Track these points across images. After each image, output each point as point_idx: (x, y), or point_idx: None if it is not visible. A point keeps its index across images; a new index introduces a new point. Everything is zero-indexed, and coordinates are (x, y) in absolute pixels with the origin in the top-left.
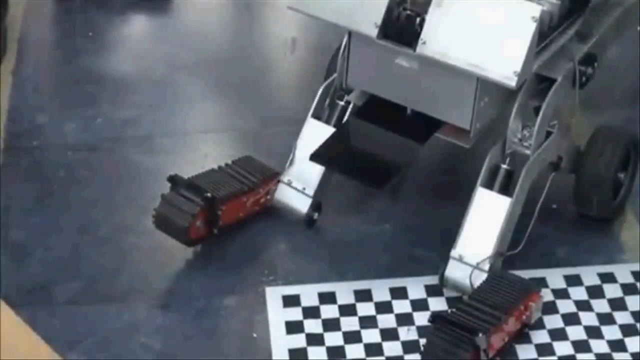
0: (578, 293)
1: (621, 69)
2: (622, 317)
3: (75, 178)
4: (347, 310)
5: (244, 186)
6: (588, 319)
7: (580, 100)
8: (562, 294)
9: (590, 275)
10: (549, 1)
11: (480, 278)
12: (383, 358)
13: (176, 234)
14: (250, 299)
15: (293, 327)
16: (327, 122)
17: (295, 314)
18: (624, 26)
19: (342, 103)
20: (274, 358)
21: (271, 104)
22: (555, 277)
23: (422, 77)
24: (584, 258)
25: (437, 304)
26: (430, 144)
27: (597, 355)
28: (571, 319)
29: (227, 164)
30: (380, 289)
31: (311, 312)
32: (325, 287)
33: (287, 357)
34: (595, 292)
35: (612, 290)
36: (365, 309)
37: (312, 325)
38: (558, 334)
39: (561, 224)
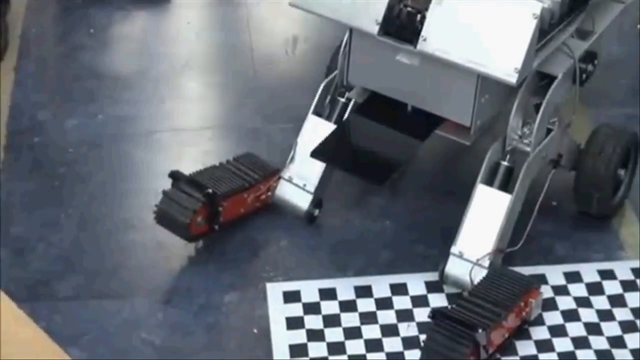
0: (578, 290)
1: (621, 66)
2: (622, 314)
3: (76, 174)
4: (348, 306)
5: (245, 182)
6: (588, 315)
7: (580, 97)
8: (561, 290)
9: (590, 272)
10: None
11: (480, 274)
12: (383, 354)
13: (177, 229)
14: (251, 294)
15: (293, 323)
16: (328, 119)
17: (296, 309)
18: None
19: (342, 100)
20: (274, 354)
21: (272, 100)
22: (555, 274)
23: (422, 74)
24: (583, 255)
25: (437, 300)
26: (431, 140)
27: (596, 351)
28: (571, 315)
29: (228, 161)
30: (381, 285)
31: (312, 308)
32: (326, 283)
33: (288, 353)
34: (595, 288)
35: (612, 287)
36: (366, 305)
37: (313, 321)
38: (558, 331)
39: (561, 221)
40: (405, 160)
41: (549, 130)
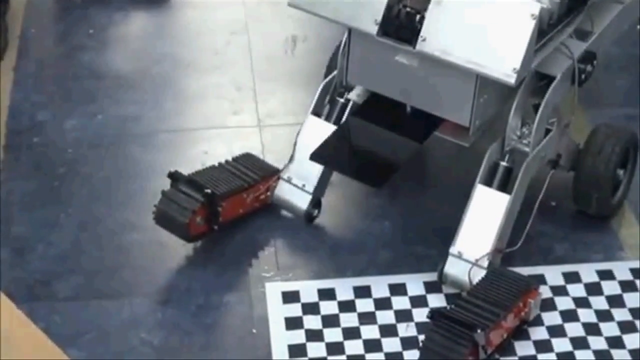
0: (576, 290)
1: (621, 67)
2: (621, 314)
3: (75, 174)
4: (347, 306)
5: (244, 183)
6: (586, 315)
7: (579, 97)
8: (560, 290)
9: (588, 272)
10: None
11: (479, 275)
12: (382, 354)
13: (176, 230)
14: (250, 295)
15: (292, 323)
16: (327, 119)
17: (295, 310)
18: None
19: (342, 100)
20: (273, 354)
21: (271, 101)
22: (553, 274)
23: (421, 74)
24: (582, 255)
25: (436, 301)
26: (429, 141)
27: (595, 352)
28: (569, 315)
29: (227, 161)
30: (380, 286)
31: (311, 308)
32: (325, 284)
33: (287, 353)
34: (594, 289)
35: (611, 287)
36: (365, 305)
37: (312, 321)
38: (556, 331)
39: (560, 221)
40: (403, 163)
41: (547, 131)
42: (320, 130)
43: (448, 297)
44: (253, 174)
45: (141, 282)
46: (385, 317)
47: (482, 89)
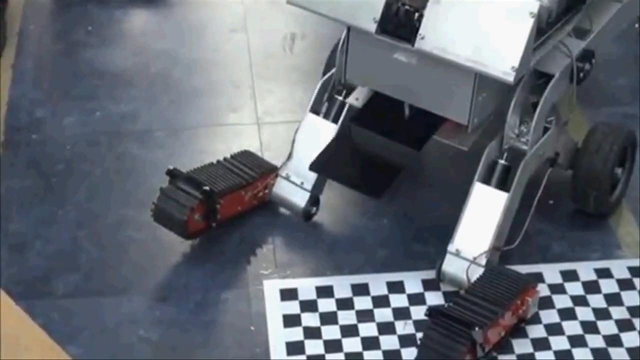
0: (574, 288)
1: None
2: (618, 312)
3: (74, 171)
4: (345, 304)
5: (243, 180)
6: (584, 314)
7: (578, 96)
8: (558, 289)
9: (586, 270)
10: None
11: (477, 273)
12: (380, 352)
13: (175, 227)
14: (248, 292)
15: (290, 321)
16: (326, 116)
17: (293, 307)
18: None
19: (340, 98)
20: (271, 351)
21: (269, 98)
22: (551, 272)
23: (420, 72)
24: (580, 253)
25: (434, 298)
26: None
27: (592, 350)
28: (567, 313)
29: (225, 158)
30: (378, 283)
31: (308, 306)
32: (323, 281)
33: (285, 350)
34: (592, 287)
35: (608, 286)
36: (363, 302)
37: (310, 319)
38: (554, 329)
39: (558, 220)
40: (401, 171)
41: (546, 129)
42: (319, 128)
43: (446, 294)
44: (251, 171)
45: (139, 279)
46: (383, 314)
47: (480, 87)
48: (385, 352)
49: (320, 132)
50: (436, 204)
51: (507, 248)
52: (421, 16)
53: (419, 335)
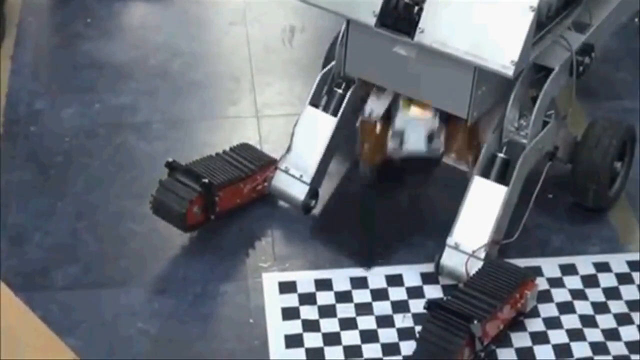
0: (573, 282)
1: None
2: (617, 306)
3: (73, 163)
4: (343, 297)
5: (242, 173)
6: (583, 307)
7: (577, 90)
8: (557, 282)
9: (585, 264)
10: None
11: (476, 266)
12: (378, 345)
13: (173, 219)
14: (247, 285)
15: (289, 314)
16: (325, 109)
17: (292, 300)
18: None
19: (339, 91)
20: (270, 344)
21: (269, 91)
22: (550, 266)
23: (419, 66)
24: (579, 247)
25: (433, 292)
26: None
27: (591, 344)
28: (566, 307)
29: (224, 151)
30: (376, 276)
31: (307, 299)
32: (322, 274)
33: (283, 343)
34: (590, 281)
35: (607, 280)
36: (361, 296)
37: (308, 312)
38: (553, 323)
39: (557, 214)
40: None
41: (545, 123)
42: (318, 121)
43: (445, 288)
44: (250, 164)
45: (138, 271)
46: (382, 308)
47: (480, 81)
48: (383, 345)
49: (319, 125)
50: (435, 197)
51: (506, 242)
52: (421, 10)
53: (418, 328)
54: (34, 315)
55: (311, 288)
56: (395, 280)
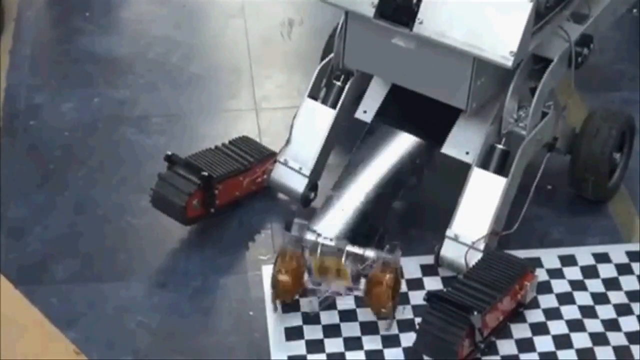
0: (573, 273)
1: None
2: (617, 297)
3: (72, 157)
4: None
5: (241, 166)
6: (582, 298)
7: (576, 81)
8: (556, 273)
9: (585, 255)
10: None
11: (475, 257)
12: (378, 336)
13: (173, 213)
14: (247, 278)
15: (289, 305)
16: (324, 102)
17: None
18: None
19: (338, 83)
20: (270, 336)
21: (268, 84)
22: (550, 257)
23: (418, 57)
24: (578, 238)
25: (433, 283)
26: None
27: (591, 334)
28: (566, 298)
29: (223, 144)
30: None
31: (307, 292)
32: None
33: (284, 335)
34: (590, 272)
35: (607, 270)
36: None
37: (308, 304)
38: (553, 314)
39: (556, 205)
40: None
41: (544, 114)
42: (317, 113)
43: (444, 279)
44: (250, 157)
45: (138, 265)
46: None
47: (479, 72)
48: (383, 337)
49: (318, 118)
50: (434, 189)
51: (505, 233)
52: (419, 1)
53: (418, 320)
54: (35, 308)
55: None
56: None
